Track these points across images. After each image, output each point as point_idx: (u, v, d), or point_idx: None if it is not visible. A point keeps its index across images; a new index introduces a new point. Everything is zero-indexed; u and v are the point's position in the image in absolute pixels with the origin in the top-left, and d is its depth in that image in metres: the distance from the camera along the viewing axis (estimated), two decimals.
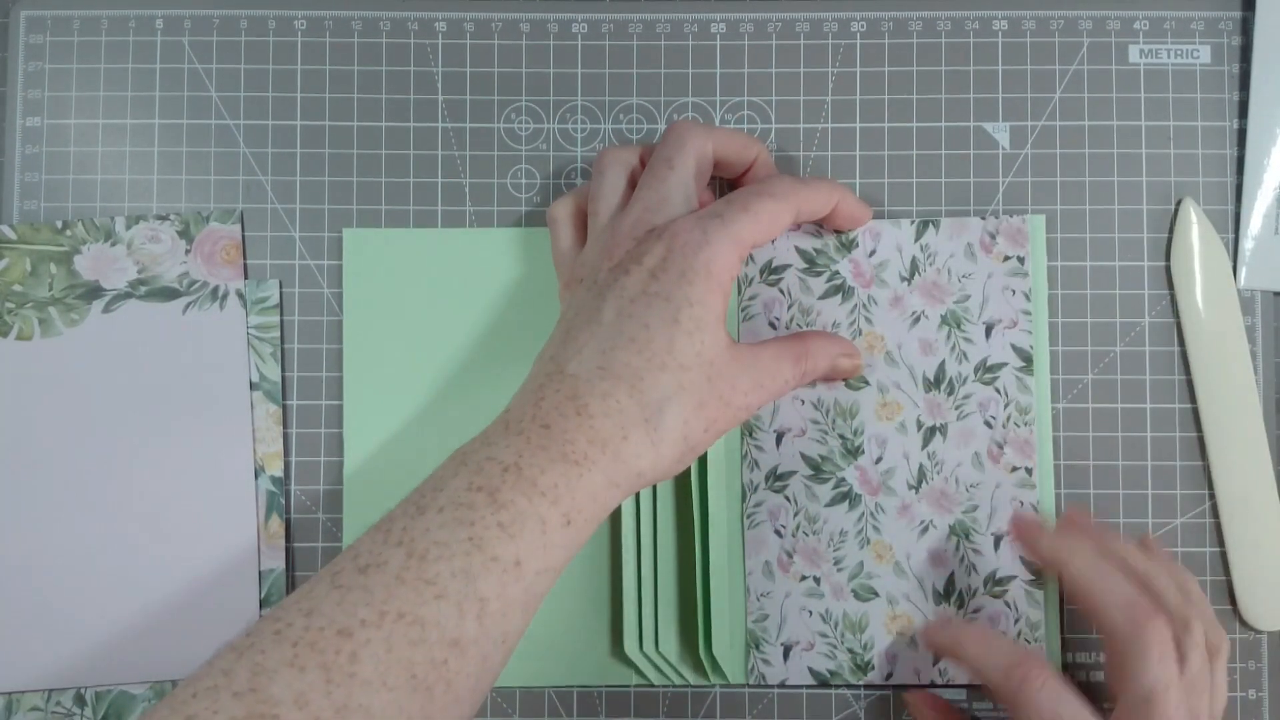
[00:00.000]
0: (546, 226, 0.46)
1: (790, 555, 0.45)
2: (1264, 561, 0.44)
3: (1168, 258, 0.46)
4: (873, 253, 0.45)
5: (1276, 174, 0.46)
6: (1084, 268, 0.46)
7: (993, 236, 0.45)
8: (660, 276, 0.37)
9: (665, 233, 0.38)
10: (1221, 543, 0.45)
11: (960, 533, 0.44)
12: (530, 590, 0.33)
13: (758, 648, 0.44)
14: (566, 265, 0.42)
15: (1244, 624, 0.45)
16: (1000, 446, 0.44)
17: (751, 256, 0.45)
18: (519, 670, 0.45)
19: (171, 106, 0.46)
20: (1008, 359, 0.44)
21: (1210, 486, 0.45)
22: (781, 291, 0.45)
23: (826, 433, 0.45)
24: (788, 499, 0.45)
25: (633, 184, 0.41)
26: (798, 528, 0.45)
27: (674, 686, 0.45)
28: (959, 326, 0.45)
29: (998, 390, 0.44)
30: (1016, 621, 0.44)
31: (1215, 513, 0.45)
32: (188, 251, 0.45)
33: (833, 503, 0.45)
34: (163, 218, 0.46)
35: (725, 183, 0.45)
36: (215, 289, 0.45)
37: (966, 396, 0.44)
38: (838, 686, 0.45)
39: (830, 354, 0.42)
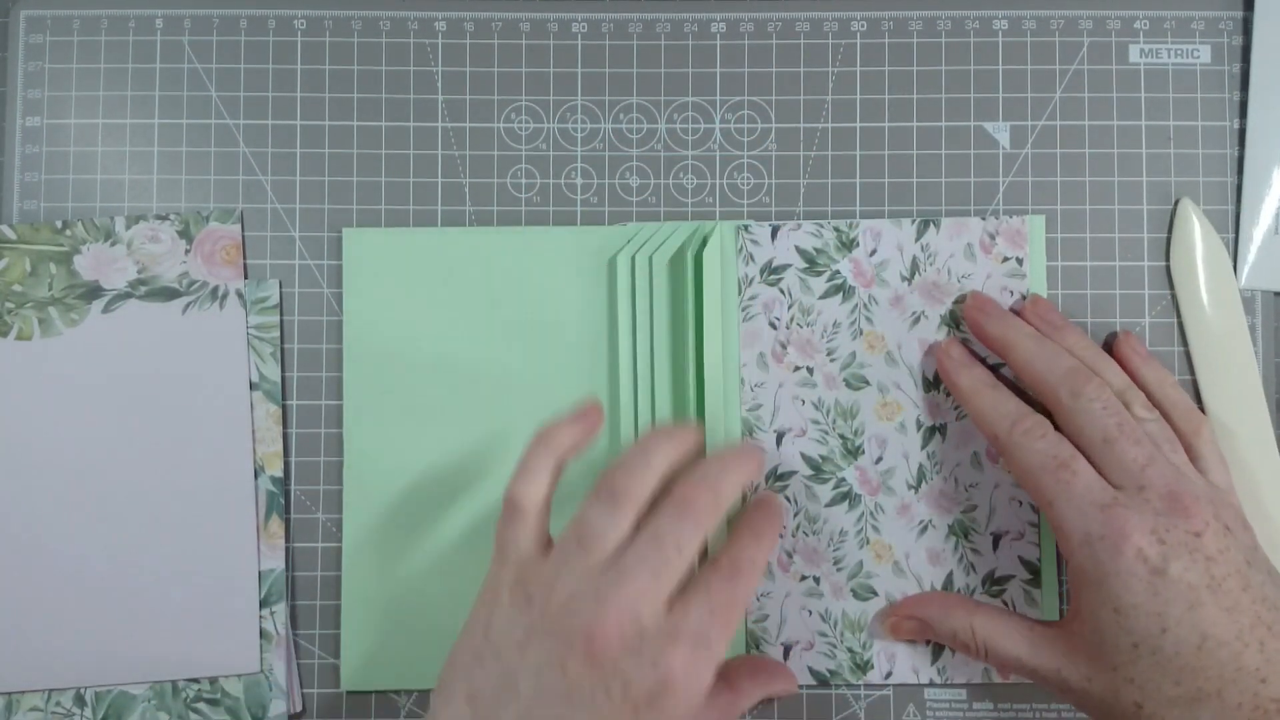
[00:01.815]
0: (546, 225, 0.46)
1: (790, 555, 0.45)
2: (1274, 559, 0.44)
3: (1168, 258, 0.46)
4: (873, 252, 0.45)
5: (1276, 174, 0.45)
6: (1084, 268, 0.46)
7: (992, 237, 0.45)
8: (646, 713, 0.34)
9: (661, 664, 0.34)
10: None
11: (959, 532, 0.44)
12: None
13: (758, 648, 0.44)
14: (516, 566, 0.38)
15: None
16: None
17: (751, 256, 0.45)
18: None
19: (171, 106, 0.46)
20: None
21: None
22: (781, 291, 0.45)
23: (827, 433, 0.45)
24: (788, 499, 0.45)
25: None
26: (798, 527, 0.45)
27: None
28: (958, 327, 0.45)
29: None
30: None
31: None
32: (187, 251, 0.45)
33: (833, 503, 0.45)
34: (163, 218, 0.45)
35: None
36: (215, 289, 0.45)
37: None
38: (838, 686, 0.45)
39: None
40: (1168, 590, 0.36)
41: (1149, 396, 0.42)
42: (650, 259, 0.45)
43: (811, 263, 0.45)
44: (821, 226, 0.45)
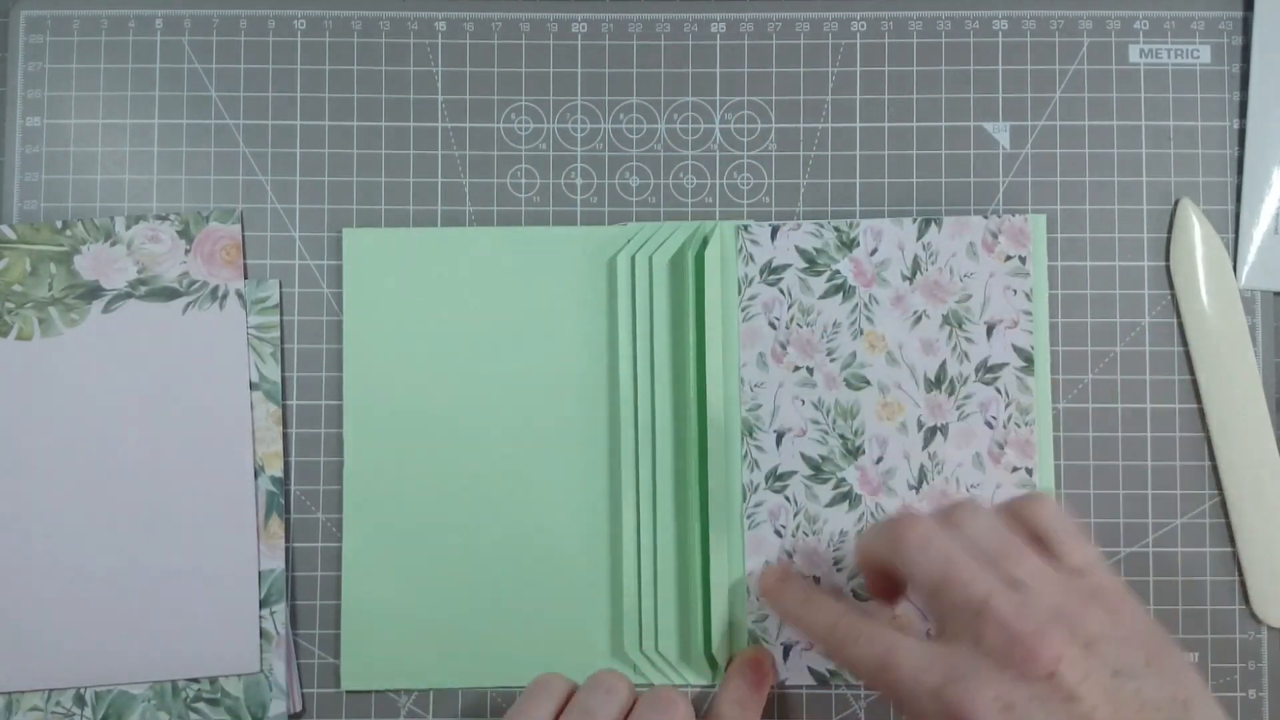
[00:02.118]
0: (546, 225, 0.46)
1: (790, 555, 0.45)
2: (1276, 558, 0.44)
3: (1168, 258, 0.46)
4: (874, 251, 0.45)
5: (1276, 174, 0.46)
6: (1084, 268, 0.46)
7: (995, 235, 0.45)
8: None
9: None
10: (1230, 541, 0.45)
11: None
12: None
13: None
14: None
15: (1256, 620, 0.45)
16: (1001, 447, 0.44)
17: (751, 256, 0.45)
18: (519, 670, 0.45)
19: (171, 106, 0.46)
20: (1009, 359, 0.44)
21: (1216, 485, 0.45)
22: (782, 291, 0.45)
23: (827, 433, 0.45)
24: (788, 499, 0.45)
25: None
26: (798, 528, 0.45)
27: (673, 686, 0.45)
28: (960, 326, 0.45)
29: (999, 390, 0.44)
30: None
31: (1219, 512, 0.45)
32: (187, 251, 0.45)
33: (833, 503, 0.45)
34: (162, 218, 0.45)
35: None
36: (215, 289, 0.45)
37: (967, 397, 0.44)
38: (837, 686, 0.45)
39: None
40: None
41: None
42: (650, 259, 0.45)
43: (811, 262, 0.45)
44: (821, 226, 0.45)
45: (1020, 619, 0.34)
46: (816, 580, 0.44)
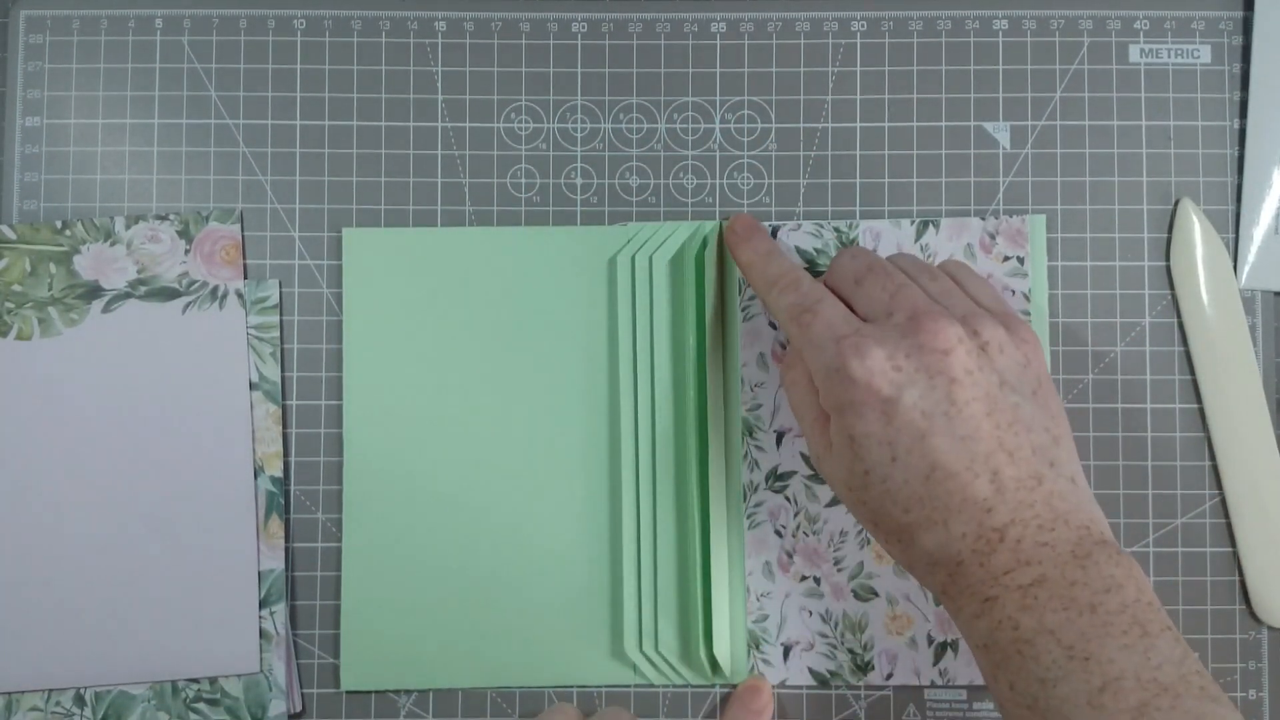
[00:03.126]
0: (546, 225, 0.46)
1: (790, 555, 0.45)
2: (1276, 558, 0.44)
3: (1168, 258, 0.46)
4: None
5: (1276, 174, 0.45)
6: (1084, 268, 0.46)
7: (992, 237, 0.45)
8: None
9: None
10: (1231, 541, 0.45)
11: None
12: None
13: (758, 648, 0.44)
14: None
15: (1256, 620, 0.45)
16: None
17: None
18: (519, 670, 0.45)
19: (171, 106, 0.46)
20: None
21: (1217, 485, 0.45)
22: None
23: None
24: (788, 499, 0.45)
25: None
26: (798, 528, 0.45)
27: (674, 686, 0.45)
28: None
29: None
30: None
31: (1219, 512, 0.45)
32: (187, 251, 0.45)
33: (833, 503, 0.45)
34: (162, 217, 0.45)
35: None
36: (215, 289, 0.45)
37: None
38: (838, 687, 0.45)
39: None
40: (898, 419, 0.35)
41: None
42: (650, 259, 0.45)
43: (811, 263, 0.45)
44: (821, 226, 0.45)
45: (928, 304, 0.37)
46: (816, 581, 0.44)
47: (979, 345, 0.36)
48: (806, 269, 0.45)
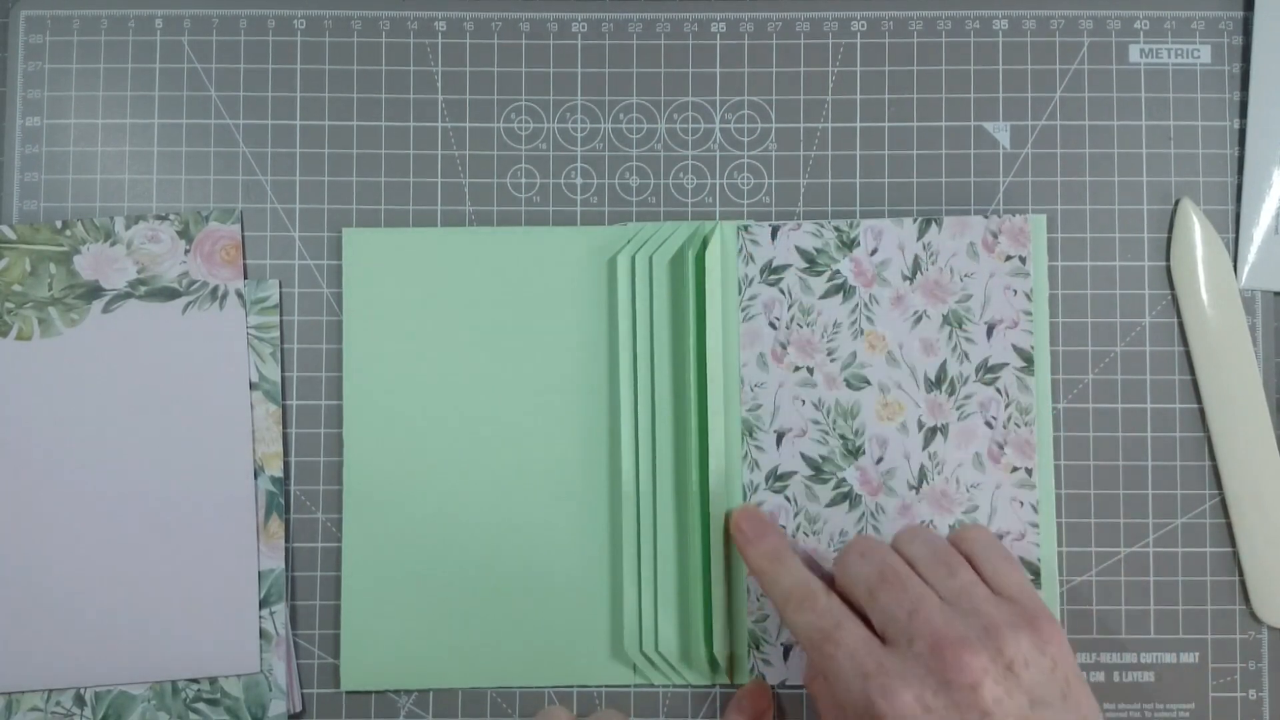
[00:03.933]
0: (546, 225, 0.46)
1: None
2: (1276, 558, 0.44)
3: (1168, 258, 0.46)
4: (874, 251, 0.45)
5: (1276, 174, 0.46)
6: (1084, 268, 0.46)
7: (995, 235, 0.45)
8: None
9: None
10: (1231, 541, 0.45)
11: None
12: None
13: (758, 648, 0.44)
14: None
15: (1256, 620, 0.45)
16: (1001, 447, 0.44)
17: (751, 256, 0.45)
18: (519, 670, 0.45)
19: (171, 106, 0.46)
20: (1009, 359, 0.44)
21: (1217, 485, 0.45)
22: (782, 291, 0.45)
23: (827, 433, 0.45)
24: (788, 499, 0.45)
25: None
26: (798, 528, 0.45)
27: (674, 686, 0.45)
28: (960, 326, 0.45)
29: (999, 390, 0.44)
30: None
31: (1219, 512, 0.45)
32: (187, 251, 0.45)
33: (833, 503, 0.45)
34: (162, 217, 0.45)
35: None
36: (215, 289, 0.45)
37: (968, 397, 0.44)
38: None
39: None
40: None
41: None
42: (650, 259, 0.45)
43: (812, 262, 0.45)
44: (822, 226, 0.45)
45: (949, 627, 0.35)
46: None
47: (1005, 666, 0.35)
48: (806, 269, 0.45)
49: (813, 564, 0.42)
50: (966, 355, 0.45)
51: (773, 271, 0.45)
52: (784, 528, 0.44)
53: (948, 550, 0.39)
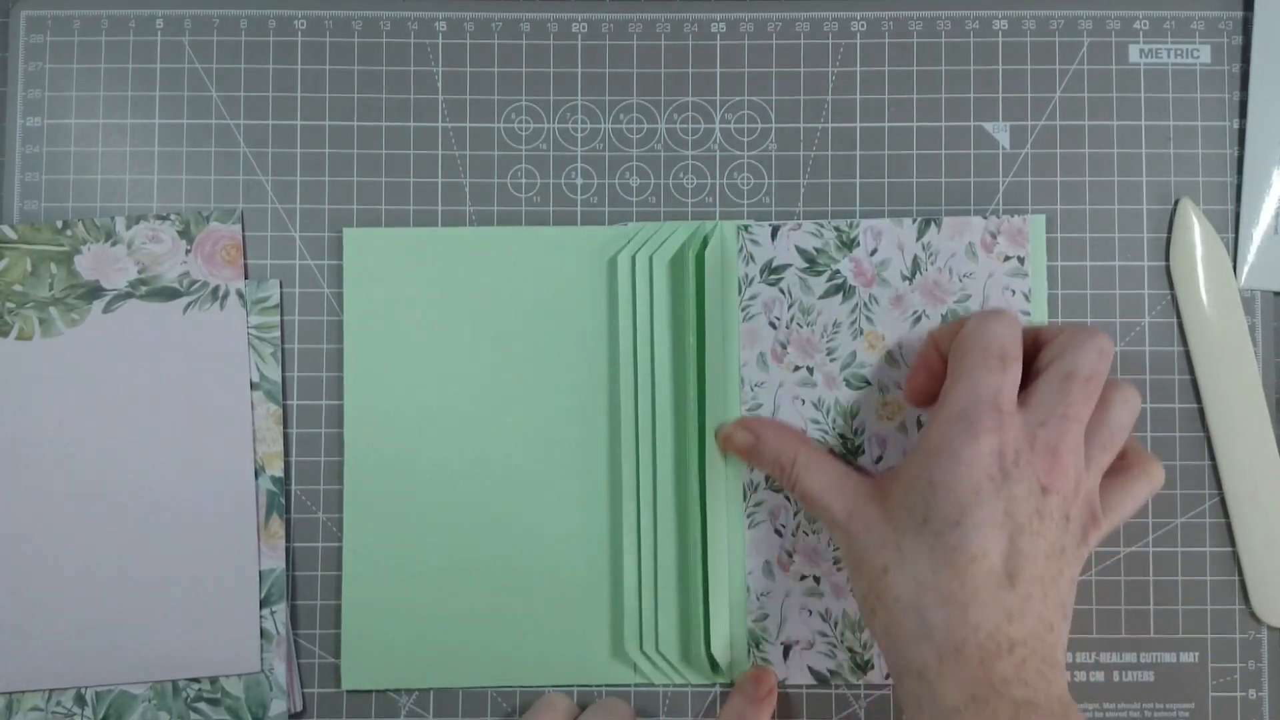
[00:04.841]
0: (546, 225, 0.46)
1: (790, 555, 0.45)
2: (1276, 558, 0.44)
3: (1168, 258, 0.46)
4: (874, 251, 0.45)
5: (1276, 174, 0.46)
6: (1084, 268, 0.46)
7: (994, 236, 0.45)
8: None
9: None
10: (1231, 541, 0.45)
11: None
12: None
13: (758, 647, 0.44)
14: None
15: (1256, 620, 0.45)
16: None
17: (751, 256, 0.45)
18: (519, 670, 0.45)
19: (172, 106, 0.46)
20: None
21: (1217, 485, 0.45)
22: (782, 291, 0.45)
23: (826, 432, 0.45)
24: (788, 498, 0.45)
25: None
26: (798, 527, 0.45)
27: (674, 686, 0.45)
28: None
29: None
30: None
31: (1218, 512, 0.45)
32: (188, 251, 0.45)
33: None
34: (163, 217, 0.46)
35: None
36: (215, 289, 0.45)
37: None
38: (838, 686, 0.45)
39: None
40: (986, 499, 0.36)
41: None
42: (650, 259, 0.45)
43: (812, 262, 0.45)
44: (822, 226, 0.45)
45: (1067, 443, 0.37)
46: (816, 581, 0.44)
47: (1066, 514, 0.37)
48: (806, 268, 0.45)
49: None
50: None
51: (773, 271, 0.45)
52: (784, 526, 0.45)
53: (1099, 384, 0.39)
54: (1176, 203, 0.46)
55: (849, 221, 0.45)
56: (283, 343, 0.46)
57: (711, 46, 0.47)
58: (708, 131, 0.46)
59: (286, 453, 0.45)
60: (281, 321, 0.46)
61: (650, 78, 0.47)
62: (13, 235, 0.45)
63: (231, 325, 0.45)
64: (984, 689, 0.35)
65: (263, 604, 0.44)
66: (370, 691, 0.45)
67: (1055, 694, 0.35)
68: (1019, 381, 0.38)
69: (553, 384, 0.45)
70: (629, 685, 0.45)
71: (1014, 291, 0.45)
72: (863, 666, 0.44)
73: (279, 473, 0.45)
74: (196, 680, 0.44)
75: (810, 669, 0.44)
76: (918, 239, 0.45)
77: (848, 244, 0.45)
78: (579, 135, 0.46)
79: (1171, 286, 0.46)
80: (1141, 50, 0.46)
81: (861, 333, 0.45)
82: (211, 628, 0.44)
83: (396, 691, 0.45)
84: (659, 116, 0.46)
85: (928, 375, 0.42)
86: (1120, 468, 0.40)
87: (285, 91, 0.46)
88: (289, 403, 0.46)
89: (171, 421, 0.45)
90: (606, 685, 0.45)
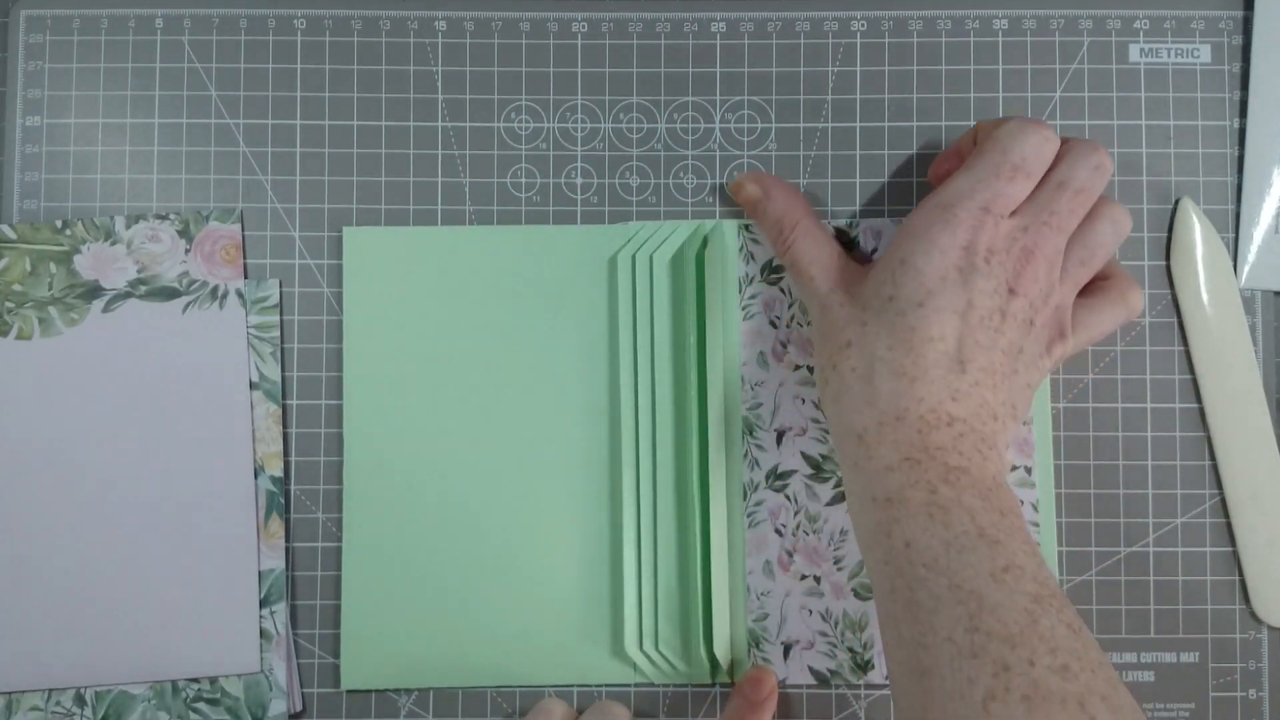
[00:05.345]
0: (546, 224, 0.46)
1: (790, 554, 0.45)
2: (1276, 558, 0.44)
3: (1168, 258, 0.46)
4: (874, 251, 0.45)
5: (1276, 174, 0.46)
6: None
7: None
8: None
9: None
10: (1231, 541, 0.45)
11: None
12: None
13: (758, 647, 0.44)
14: None
15: (1256, 620, 0.45)
16: None
17: (752, 255, 0.45)
18: (519, 670, 0.45)
19: (171, 106, 0.46)
20: None
21: (1217, 485, 0.45)
22: (782, 290, 0.45)
23: (827, 431, 0.45)
24: (788, 498, 0.45)
25: None
26: (798, 527, 0.45)
27: (674, 685, 0.45)
28: None
29: None
30: None
31: (1219, 511, 0.45)
32: (187, 251, 0.45)
33: (833, 502, 0.45)
34: (162, 217, 0.45)
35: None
36: (215, 288, 0.45)
37: None
38: (838, 686, 0.45)
39: None
40: (951, 287, 0.37)
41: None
42: (651, 258, 0.45)
43: None
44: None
45: (1044, 249, 0.38)
46: (816, 580, 0.44)
47: (1029, 319, 0.38)
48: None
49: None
50: None
51: (773, 270, 0.45)
52: (784, 526, 0.44)
53: (1089, 199, 0.40)
54: (1177, 202, 0.46)
55: (849, 221, 0.45)
56: (282, 342, 0.46)
57: (711, 46, 0.47)
58: (708, 131, 0.46)
59: (286, 453, 0.45)
60: (281, 321, 0.46)
61: (650, 77, 0.47)
62: (12, 235, 0.45)
63: (231, 325, 0.45)
64: (918, 452, 0.36)
65: (262, 604, 0.44)
66: (370, 691, 0.45)
67: (990, 470, 0.37)
68: (1025, 194, 0.39)
69: (553, 383, 0.45)
70: (629, 685, 0.45)
71: None
72: (863, 666, 0.44)
73: (279, 473, 0.45)
74: (196, 680, 0.44)
75: (810, 669, 0.44)
76: None
77: (848, 244, 0.45)
78: (579, 135, 0.46)
79: (1171, 286, 0.46)
80: (1142, 50, 0.46)
81: None
82: (211, 628, 0.44)
83: (396, 691, 0.45)
84: (659, 116, 0.46)
85: (956, 160, 0.42)
86: (1099, 289, 0.41)
87: (285, 91, 0.46)
88: (289, 402, 0.45)
89: (171, 421, 0.45)
90: (606, 685, 0.45)
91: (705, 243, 0.45)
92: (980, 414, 0.37)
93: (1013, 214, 0.39)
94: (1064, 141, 0.40)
